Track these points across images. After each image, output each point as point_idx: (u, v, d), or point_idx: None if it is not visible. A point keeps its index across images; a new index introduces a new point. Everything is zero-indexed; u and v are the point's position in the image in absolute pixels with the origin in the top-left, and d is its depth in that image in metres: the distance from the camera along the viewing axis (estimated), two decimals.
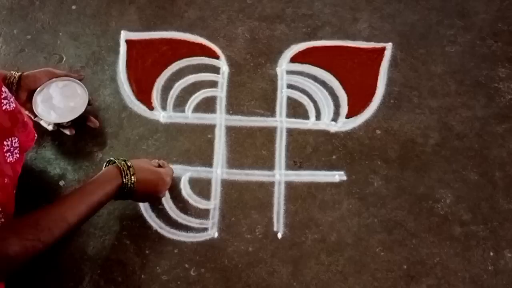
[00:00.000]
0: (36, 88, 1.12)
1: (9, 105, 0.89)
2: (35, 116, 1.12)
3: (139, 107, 1.25)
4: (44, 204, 0.86)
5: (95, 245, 1.08)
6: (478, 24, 1.42)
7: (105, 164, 0.99)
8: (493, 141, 1.23)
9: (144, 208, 1.12)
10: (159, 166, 1.09)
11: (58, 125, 1.14)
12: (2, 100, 0.87)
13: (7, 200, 0.88)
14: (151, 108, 1.25)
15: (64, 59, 1.31)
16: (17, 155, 0.93)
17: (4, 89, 0.87)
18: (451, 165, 1.20)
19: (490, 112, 1.28)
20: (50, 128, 1.14)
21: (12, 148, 0.91)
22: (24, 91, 1.10)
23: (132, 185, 0.95)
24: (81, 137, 1.20)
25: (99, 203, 0.91)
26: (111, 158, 0.99)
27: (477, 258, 1.09)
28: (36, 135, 1.06)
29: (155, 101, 1.26)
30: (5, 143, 0.89)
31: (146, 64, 1.31)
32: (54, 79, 1.15)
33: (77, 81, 1.17)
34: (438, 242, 1.11)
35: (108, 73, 1.30)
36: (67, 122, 1.13)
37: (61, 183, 1.15)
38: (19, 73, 1.10)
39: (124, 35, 1.35)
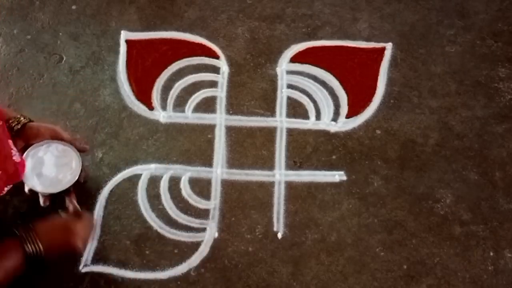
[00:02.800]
0: (34, 143, 1.01)
1: None
2: None
3: (139, 107, 1.25)
4: None
5: (95, 245, 1.08)
6: (478, 24, 1.41)
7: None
8: (493, 141, 1.23)
9: (144, 208, 1.12)
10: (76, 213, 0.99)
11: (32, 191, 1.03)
12: None
13: None
14: (151, 108, 1.25)
15: (64, 59, 1.31)
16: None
17: None
18: (451, 165, 1.20)
19: (490, 112, 1.27)
20: (26, 189, 1.02)
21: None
22: (22, 141, 0.99)
23: (39, 252, 0.86)
24: (81, 137, 1.19)
25: (6, 277, 0.83)
26: (14, 229, 0.88)
27: (477, 258, 1.09)
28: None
29: (155, 101, 1.26)
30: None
31: (146, 64, 1.31)
32: (54, 141, 1.03)
33: (77, 152, 1.04)
34: (438, 242, 1.11)
35: (108, 73, 1.29)
36: (44, 193, 1.02)
37: None
38: (25, 121, 0.99)
39: (124, 35, 1.35)
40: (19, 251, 0.85)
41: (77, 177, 1.02)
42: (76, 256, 1.03)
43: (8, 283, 0.84)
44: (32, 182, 1.00)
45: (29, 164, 1.00)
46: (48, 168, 1.01)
